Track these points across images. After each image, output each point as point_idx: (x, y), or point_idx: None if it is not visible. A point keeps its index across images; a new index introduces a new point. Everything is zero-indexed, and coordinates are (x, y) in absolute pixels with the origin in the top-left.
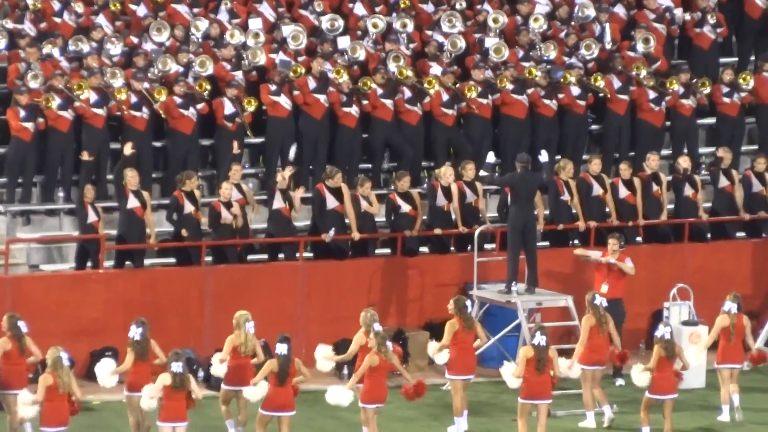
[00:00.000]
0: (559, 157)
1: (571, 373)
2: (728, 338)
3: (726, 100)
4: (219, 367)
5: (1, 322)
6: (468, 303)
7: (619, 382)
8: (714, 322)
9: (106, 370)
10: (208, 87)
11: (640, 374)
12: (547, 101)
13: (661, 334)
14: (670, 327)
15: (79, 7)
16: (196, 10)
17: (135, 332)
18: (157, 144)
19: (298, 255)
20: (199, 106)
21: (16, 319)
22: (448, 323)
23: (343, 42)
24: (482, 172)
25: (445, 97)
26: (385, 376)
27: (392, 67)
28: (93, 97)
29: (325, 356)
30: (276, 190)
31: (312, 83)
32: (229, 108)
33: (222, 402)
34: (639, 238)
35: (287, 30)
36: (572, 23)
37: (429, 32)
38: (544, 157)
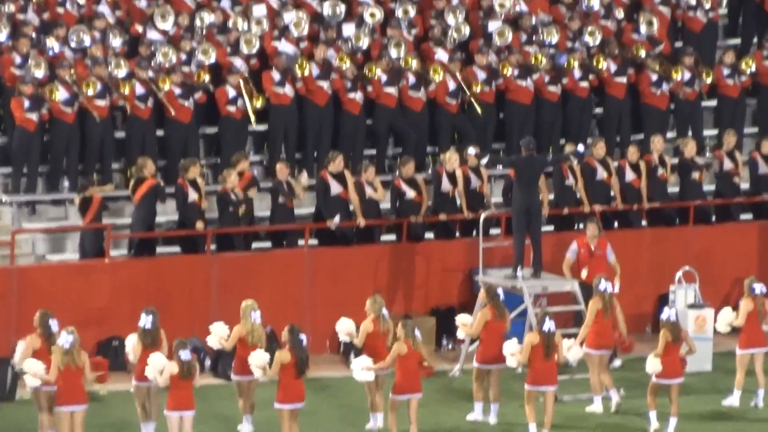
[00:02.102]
0: (564, 141)
1: (570, 355)
2: (755, 322)
3: (729, 81)
4: (213, 339)
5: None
6: (500, 291)
7: (617, 363)
8: (736, 305)
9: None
10: (207, 77)
11: (652, 361)
12: (551, 87)
13: (666, 317)
14: (675, 310)
15: None
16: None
17: (145, 320)
18: (159, 133)
19: (303, 242)
20: (197, 95)
21: (48, 318)
22: (480, 312)
23: (348, 29)
24: (482, 160)
25: (452, 85)
26: (416, 365)
27: (394, 53)
28: (97, 87)
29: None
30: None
31: (315, 70)
32: (232, 95)
33: (239, 395)
34: (644, 222)
35: (289, 17)
36: (576, 8)
37: (432, 19)
38: (581, 148)
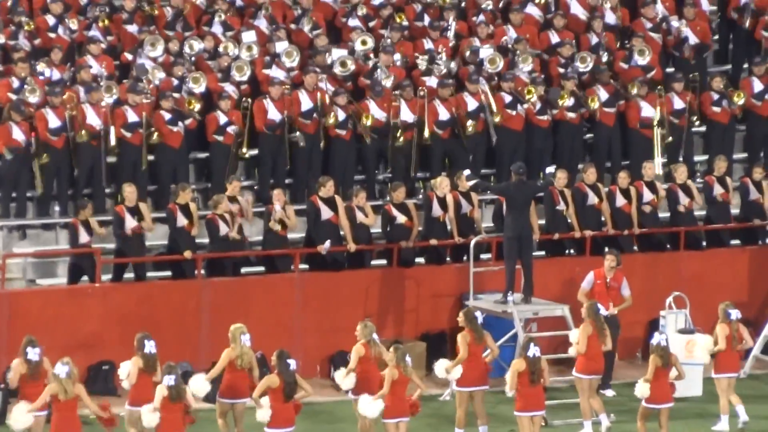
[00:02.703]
0: (554, 167)
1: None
2: (731, 347)
3: (716, 108)
4: (203, 384)
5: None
6: (477, 314)
7: (610, 393)
8: (712, 330)
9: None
10: (198, 105)
11: (641, 386)
12: (541, 116)
13: (656, 342)
14: (665, 335)
15: (74, 24)
16: (188, 33)
17: (149, 346)
18: (150, 157)
19: (293, 267)
20: (188, 121)
21: (28, 344)
22: (460, 335)
23: (336, 53)
24: (470, 182)
25: (443, 113)
26: (405, 390)
27: (384, 80)
28: (90, 112)
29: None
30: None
31: (305, 98)
32: (223, 121)
33: (219, 416)
34: (635, 247)
35: (281, 46)
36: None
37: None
38: (550, 169)
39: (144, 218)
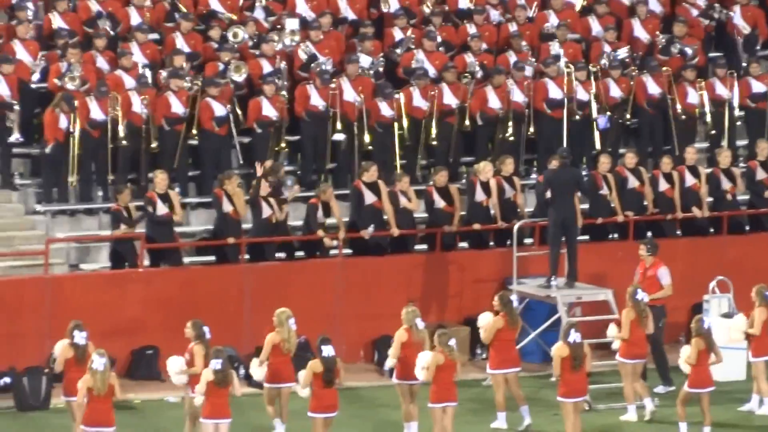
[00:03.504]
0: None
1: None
2: (766, 330)
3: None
4: (257, 370)
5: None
6: (513, 298)
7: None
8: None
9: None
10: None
11: (684, 366)
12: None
13: (702, 325)
14: (708, 319)
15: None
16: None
17: (208, 332)
18: (193, 142)
19: (336, 251)
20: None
21: (75, 328)
22: (491, 320)
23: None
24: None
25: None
26: (452, 375)
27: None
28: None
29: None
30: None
31: (347, 86)
32: (266, 106)
33: (268, 402)
34: (678, 232)
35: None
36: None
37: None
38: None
39: (173, 205)
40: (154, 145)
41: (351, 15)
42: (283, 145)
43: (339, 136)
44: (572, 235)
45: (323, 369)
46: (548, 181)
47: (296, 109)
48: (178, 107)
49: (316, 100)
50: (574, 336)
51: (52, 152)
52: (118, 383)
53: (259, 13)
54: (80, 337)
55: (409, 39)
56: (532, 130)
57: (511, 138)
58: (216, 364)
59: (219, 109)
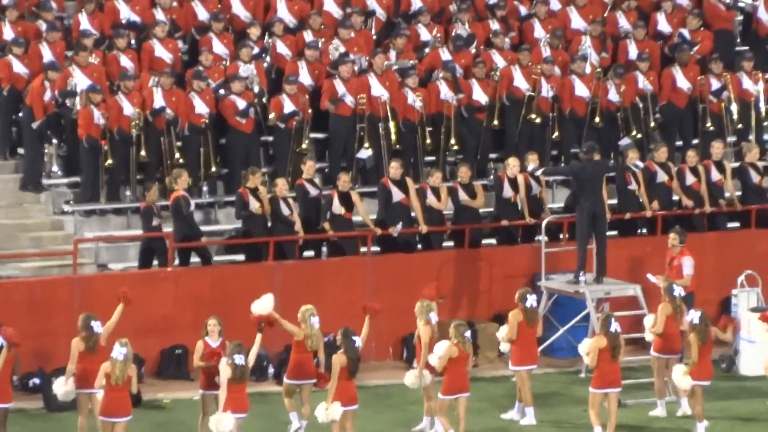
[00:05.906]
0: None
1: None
2: None
3: None
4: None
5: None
6: (530, 297)
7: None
8: None
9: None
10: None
11: (682, 378)
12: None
13: (691, 320)
14: (699, 312)
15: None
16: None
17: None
18: (222, 141)
19: (365, 249)
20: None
21: (90, 320)
22: (511, 314)
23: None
24: (538, 172)
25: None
26: (465, 367)
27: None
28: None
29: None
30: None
31: (374, 81)
32: (288, 106)
33: (285, 395)
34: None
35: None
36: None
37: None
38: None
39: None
40: (178, 144)
41: (378, 9)
42: (304, 146)
43: (364, 153)
44: (601, 230)
45: (349, 361)
46: (575, 174)
47: (322, 102)
48: (202, 108)
49: (342, 95)
50: (615, 326)
51: (83, 151)
52: (136, 376)
53: (283, 14)
54: (97, 326)
55: (435, 39)
56: (556, 134)
57: (538, 120)
58: (239, 359)
59: (241, 104)
